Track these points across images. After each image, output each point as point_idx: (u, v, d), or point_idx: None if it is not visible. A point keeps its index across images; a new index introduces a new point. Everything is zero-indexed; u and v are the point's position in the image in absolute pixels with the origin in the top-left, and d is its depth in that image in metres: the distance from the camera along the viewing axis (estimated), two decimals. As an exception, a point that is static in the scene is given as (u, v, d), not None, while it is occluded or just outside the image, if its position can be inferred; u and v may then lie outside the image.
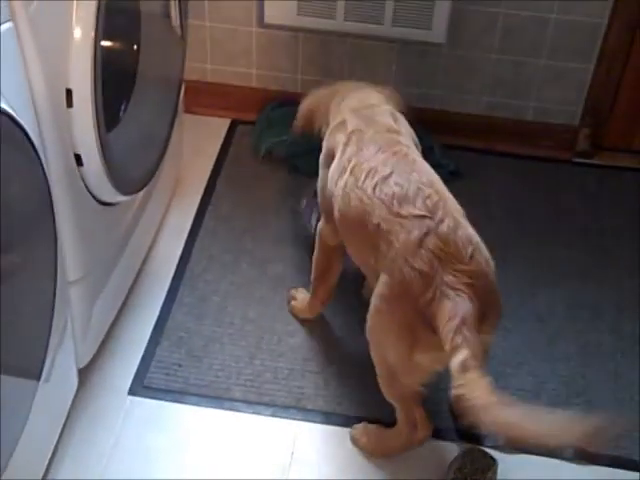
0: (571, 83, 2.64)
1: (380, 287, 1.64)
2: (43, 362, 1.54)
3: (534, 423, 1.38)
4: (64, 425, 1.80)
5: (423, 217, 1.60)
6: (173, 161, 2.34)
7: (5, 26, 1.28)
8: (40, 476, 1.69)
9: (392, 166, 1.71)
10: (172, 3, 2.04)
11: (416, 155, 1.81)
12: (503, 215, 2.48)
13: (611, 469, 1.84)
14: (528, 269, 2.31)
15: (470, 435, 1.86)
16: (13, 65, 1.33)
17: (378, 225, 1.64)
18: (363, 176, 1.71)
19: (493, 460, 1.76)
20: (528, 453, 1.85)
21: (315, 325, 2.11)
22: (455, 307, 1.51)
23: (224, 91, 2.82)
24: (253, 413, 1.91)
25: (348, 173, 1.76)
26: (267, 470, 1.81)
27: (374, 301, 1.67)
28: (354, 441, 1.87)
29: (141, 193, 2.02)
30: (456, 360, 1.45)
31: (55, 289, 1.55)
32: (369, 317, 1.70)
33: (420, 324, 1.56)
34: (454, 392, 1.43)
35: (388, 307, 1.63)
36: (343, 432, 1.89)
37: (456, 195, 1.72)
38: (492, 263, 1.64)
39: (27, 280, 1.46)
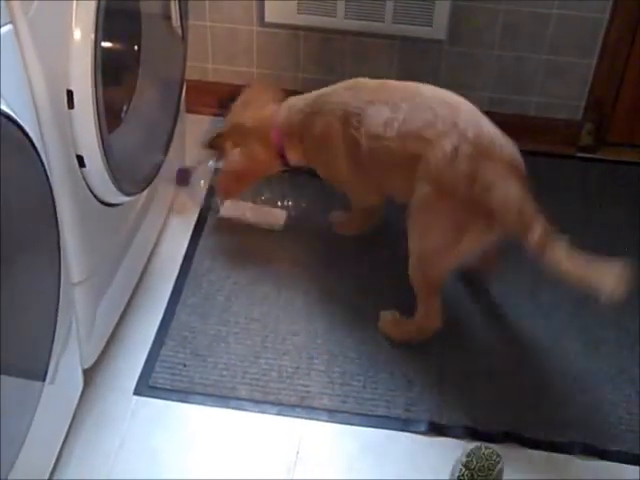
0: (573, 78, 2.64)
1: (423, 192, 1.87)
2: (48, 363, 1.54)
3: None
4: (70, 426, 1.80)
5: (451, 131, 1.84)
6: (175, 161, 2.35)
7: (5, 28, 1.28)
8: (46, 477, 1.69)
9: (398, 107, 1.93)
10: (172, 3, 2.04)
11: (397, 83, 2.04)
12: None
13: (617, 464, 1.84)
14: (531, 265, 2.30)
15: (477, 433, 1.86)
16: (13, 67, 1.33)
17: (413, 155, 1.88)
18: (382, 129, 1.93)
19: (499, 457, 1.76)
20: (534, 449, 1.85)
21: (320, 323, 2.11)
22: (509, 191, 1.79)
23: (225, 90, 2.82)
24: (258, 412, 1.91)
25: (365, 138, 1.96)
26: (273, 469, 1.81)
27: (419, 202, 1.89)
28: (382, 327, 2.08)
29: (144, 193, 2.03)
30: (535, 235, 1.74)
31: (59, 290, 1.55)
32: (414, 215, 1.92)
33: (471, 214, 1.82)
34: (548, 265, 1.73)
35: (436, 205, 1.87)
36: (348, 430, 1.89)
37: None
38: (517, 149, 1.88)
39: (31, 282, 1.46)
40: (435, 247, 1.93)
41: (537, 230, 1.75)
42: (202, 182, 2.50)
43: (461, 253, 1.91)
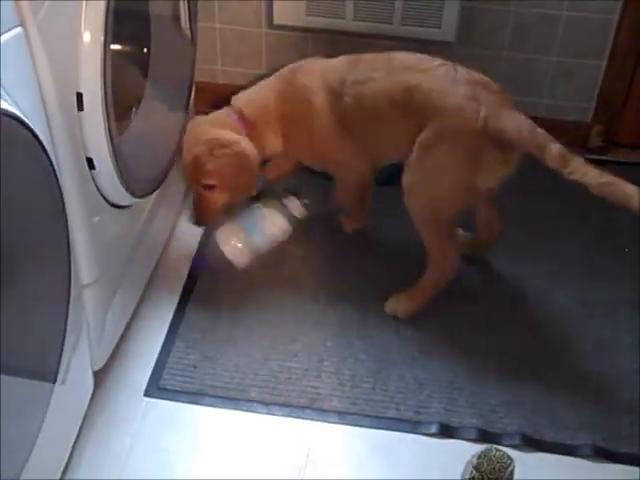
0: (583, 80, 2.63)
1: (430, 133, 1.86)
2: (59, 365, 1.55)
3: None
4: (81, 427, 1.81)
5: (442, 64, 1.92)
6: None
7: (15, 31, 1.29)
8: (57, 477, 1.69)
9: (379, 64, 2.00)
10: (181, 5, 2.04)
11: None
12: (515, 214, 2.47)
13: (628, 467, 1.83)
14: (542, 267, 2.30)
15: (488, 435, 1.86)
16: (23, 70, 1.34)
17: (406, 86, 1.90)
18: (369, 72, 1.98)
19: (510, 459, 1.75)
20: (545, 452, 1.85)
21: (329, 325, 2.11)
22: (515, 116, 1.84)
23: (234, 92, 2.82)
24: (268, 414, 1.91)
25: (352, 88, 1.99)
26: (283, 470, 1.81)
27: (422, 149, 1.88)
28: (393, 312, 2.11)
29: (153, 195, 2.03)
30: (552, 154, 1.77)
31: (69, 292, 1.55)
32: (421, 158, 1.90)
33: (482, 145, 1.83)
34: (570, 178, 1.77)
35: (444, 142, 1.86)
36: (358, 432, 1.88)
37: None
38: None
39: (41, 283, 1.46)
40: (451, 186, 1.91)
41: (554, 146, 1.78)
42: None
43: (478, 188, 1.91)
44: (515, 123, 1.83)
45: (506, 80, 2.65)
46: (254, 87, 2.17)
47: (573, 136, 2.72)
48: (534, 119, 2.69)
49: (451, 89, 1.86)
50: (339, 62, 2.08)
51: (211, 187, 2.09)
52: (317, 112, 2.05)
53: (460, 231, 2.20)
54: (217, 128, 2.09)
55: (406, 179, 1.94)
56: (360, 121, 2.00)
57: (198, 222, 2.18)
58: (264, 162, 2.20)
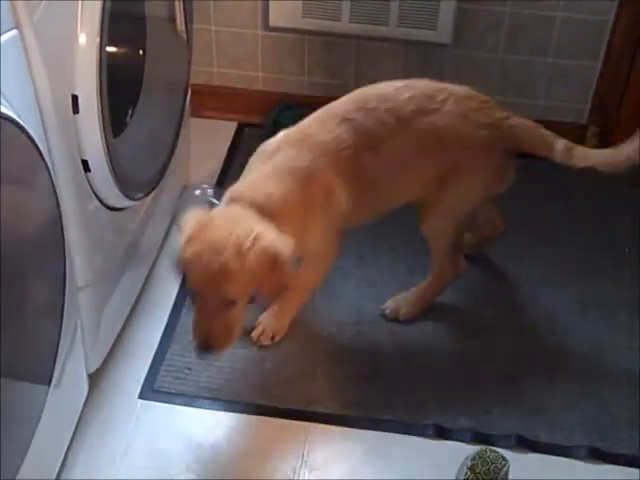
0: (578, 81, 2.64)
1: (457, 167, 1.90)
2: (53, 367, 1.55)
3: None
4: (75, 430, 1.81)
5: (446, 97, 1.91)
6: (180, 165, 2.35)
7: (10, 34, 1.29)
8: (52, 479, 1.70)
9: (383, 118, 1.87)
10: (177, 7, 2.04)
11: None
12: (513, 215, 2.47)
13: (623, 468, 1.83)
14: (540, 268, 2.30)
15: (483, 436, 1.86)
16: (19, 72, 1.34)
17: (428, 136, 1.88)
18: (380, 131, 1.86)
19: (505, 460, 1.76)
20: (540, 453, 1.85)
21: (325, 327, 2.11)
22: (523, 123, 1.96)
23: (230, 94, 2.83)
24: (264, 416, 1.91)
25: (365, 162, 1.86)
26: (278, 473, 1.81)
27: (446, 183, 1.91)
28: (393, 315, 2.12)
29: (149, 197, 2.03)
30: (558, 148, 1.94)
31: (64, 295, 1.55)
32: (439, 199, 1.93)
33: (505, 161, 1.97)
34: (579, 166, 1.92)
35: (474, 172, 1.93)
36: (354, 434, 1.88)
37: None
38: None
39: (36, 286, 1.46)
40: (475, 204, 1.99)
41: (559, 141, 1.94)
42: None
43: (491, 194, 2.03)
44: (524, 131, 1.96)
45: (502, 82, 2.67)
46: (251, 176, 1.82)
47: (569, 137, 2.70)
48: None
49: (467, 123, 1.90)
50: (335, 134, 1.83)
51: (234, 302, 1.66)
52: (332, 196, 1.83)
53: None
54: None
55: (430, 212, 1.96)
56: (374, 180, 1.88)
57: (209, 348, 1.68)
58: None
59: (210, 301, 1.64)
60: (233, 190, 1.77)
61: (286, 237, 1.66)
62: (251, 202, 1.69)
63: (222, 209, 1.74)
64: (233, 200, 1.73)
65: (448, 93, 1.91)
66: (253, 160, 1.87)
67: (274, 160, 1.81)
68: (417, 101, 1.88)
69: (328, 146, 1.82)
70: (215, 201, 1.92)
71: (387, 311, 2.12)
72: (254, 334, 2.05)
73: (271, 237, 1.63)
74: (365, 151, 1.85)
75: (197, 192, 2.38)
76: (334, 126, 1.85)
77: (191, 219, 1.67)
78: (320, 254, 1.95)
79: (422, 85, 1.93)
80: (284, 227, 1.69)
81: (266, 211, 1.69)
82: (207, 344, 1.67)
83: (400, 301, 2.13)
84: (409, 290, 2.13)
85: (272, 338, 2.06)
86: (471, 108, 1.91)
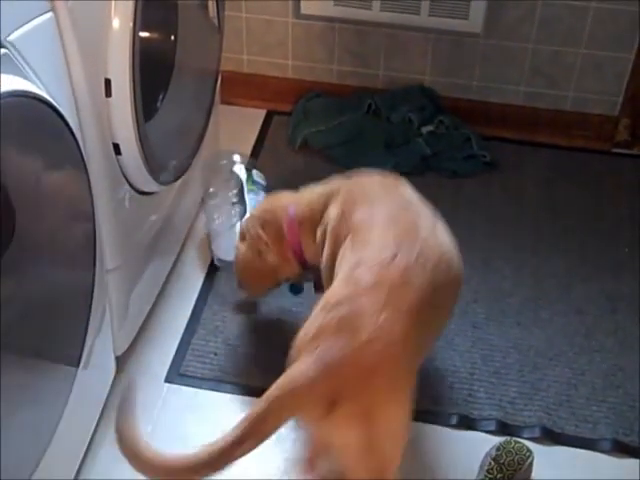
0: (611, 72, 2.61)
1: None
2: (82, 349, 1.56)
3: None
4: (102, 412, 1.82)
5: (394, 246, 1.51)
6: (209, 151, 2.35)
7: (45, 16, 1.30)
8: (78, 461, 1.71)
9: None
10: (209, -6, 2.05)
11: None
12: (540, 206, 2.47)
13: (648, 462, 1.83)
14: (566, 261, 2.29)
15: (507, 427, 1.86)
16: (53, 55, 1.35)
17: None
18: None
19: (529, 452, 1.75)
20: (564, 445, 1.84)
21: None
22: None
23: (260, 82, 2.83)
24: (288, 402, 1.92)
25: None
26: (301, 458, 1.81)
27: None
28: None
29: (178, 182, 2.04)
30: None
31: (94, 277, 1.56)
32: None
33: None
34: None
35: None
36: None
37: (494, 186, 1.71)
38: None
39: (66, 268, 1.48)
40: None
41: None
42: None
43: None
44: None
45: (532, 72, 2.65)
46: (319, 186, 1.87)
47: (599, 130, 2.72)
48: (560, 112, 2.71)
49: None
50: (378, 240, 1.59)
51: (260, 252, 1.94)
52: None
53: None
54: (271, 217, 1.89)
55: None
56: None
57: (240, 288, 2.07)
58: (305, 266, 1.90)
59: None
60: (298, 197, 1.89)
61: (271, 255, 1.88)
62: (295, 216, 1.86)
63: (289, 197, 1.91)
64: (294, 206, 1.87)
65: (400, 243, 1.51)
66: None
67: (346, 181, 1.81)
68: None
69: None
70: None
71: None
72: None
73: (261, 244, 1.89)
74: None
75: (224, 162, 2.36)
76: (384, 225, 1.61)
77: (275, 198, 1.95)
78: None
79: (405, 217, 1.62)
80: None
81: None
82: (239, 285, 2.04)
83: None
84: None
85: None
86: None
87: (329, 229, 1.72)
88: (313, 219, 1.81)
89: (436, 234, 1.60)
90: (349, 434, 1.39)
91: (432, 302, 1.49)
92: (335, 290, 1.50)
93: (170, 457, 1.42)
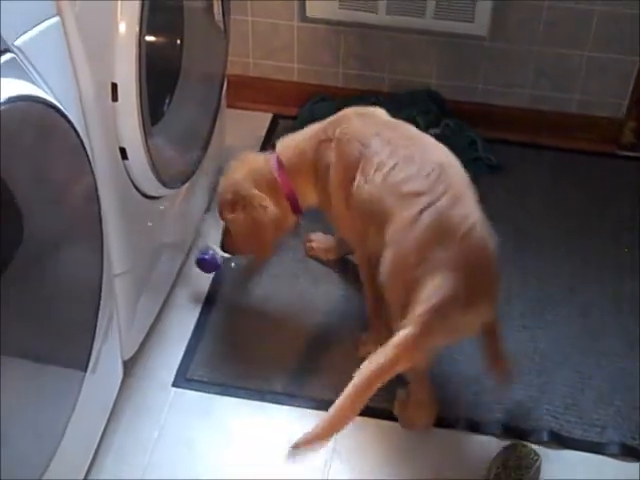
0: (616, 75, 2.61)
1: (383, 264, 1.67)
2: (90, 353, 1.56)
3: None
4: (109, 416, 1.82)
5: (421, 194, 1.65)
6: (216, 155, 2.36)
7: (52, 21, 1.30)
8: (86, 466, 1.71)
9: (395, 152, 1.76)
10: (215, -2, 2.05)
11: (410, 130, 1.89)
12: (545, 209, 2.46)
13: (657, 465, 1.82)
14: (571, 263, 2.29)
15: (515, 431, 1.85)
16: (60, 59, 1.36)
17: (383, 208, 1.70)
18: (372, 171, 1.76)
19: (537, 455, 1.75)
20: (572, 449, 1.84)
21: (357, 319, 2.11)
22: (432, 291, 1.56)
23: (266, 85, 2.84)
24: (295, 406, 1.92)
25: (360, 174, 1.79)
26: (308, 463, 1.80)
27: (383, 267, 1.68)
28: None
29: (184, 187, 2.04)
30: (392, 341, 1.55)
31: (101, 282, 1.57)
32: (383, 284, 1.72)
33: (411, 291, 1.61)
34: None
35: (390, 282, 1.67)
36: (385, 426, 1.88)
37: (499, 189, 1.71)
38: (492, 243, 1.64)
39: (74, 272, 1.48)
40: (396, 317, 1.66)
41: (398, 337, 1.55)
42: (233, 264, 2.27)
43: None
44: (426, 297, 1.57)
45: (537, 75, 2.65)
46: (304, 130, 2.01)
47: (605, 132, 2.71)
48: (565, 115, 2.70)
49: (407, 229, 1.63)
50: (372, 132, 1.83)
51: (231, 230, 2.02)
52: (345, 171, 1.84)
53: None
54: (257, 174, 1.96)
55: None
56: (355, 210, 1.83)
57: (222, 247, 2.10)
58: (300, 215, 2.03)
59: (222, 217, 2.03)
60: (282, 140, 2.02)
61: (272, 209, 1.93)
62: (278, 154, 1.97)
63: (261, 156, 2.03)
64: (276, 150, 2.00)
65: (431, 189, 1.66)
66: None
67: (329, 120, 1.95)
68: (402, 175, 1.71)
69: (351, 136, 1.84)
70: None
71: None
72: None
73: (258, 204, 1.93)
74: (359, 171, 1.79)
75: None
76: (369, 130, 1.84)
77: (239, 158, 2.03)
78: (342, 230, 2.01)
79: (431, 167, 1.71)
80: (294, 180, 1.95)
81: (282, 164, 1.95)
82: (221, 244, 2.08)
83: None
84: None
85: None
86: (423, 224, 1.62)
87: (337, 168, 1.84)
88: (303, 164, 1.94)
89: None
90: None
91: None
92: (407, 212, 1.64)
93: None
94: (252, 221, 1.93)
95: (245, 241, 1.99)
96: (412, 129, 1.89)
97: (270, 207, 1.94)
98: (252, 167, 1.98)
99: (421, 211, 1.63)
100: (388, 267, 1.66)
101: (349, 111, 1.94)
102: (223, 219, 2.03)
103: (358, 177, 1.79)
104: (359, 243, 1.92)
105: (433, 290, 1.56)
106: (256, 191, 1.94)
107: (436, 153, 1.78)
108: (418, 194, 1.66)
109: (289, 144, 1.99)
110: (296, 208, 1.99)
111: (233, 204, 1.96)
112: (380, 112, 1.96)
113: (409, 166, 1.72)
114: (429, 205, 1.63)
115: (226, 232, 2.05)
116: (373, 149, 1.79)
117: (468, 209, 1.65)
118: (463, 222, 1.61)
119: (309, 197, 1.98)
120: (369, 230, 1.78)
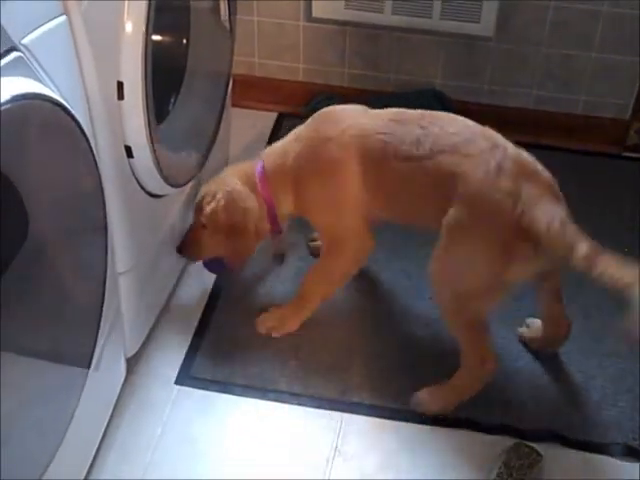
0: (622, 76, 2.61)
1: (456, 218, 1.73)
2: (93, 351, 1.57)
3: None
4: (112, 413, 1.83)
5: (492, 149, 1.75)
6: (220, 154, 2.36)
7: (59, 20, 1.31)
8: (88, 463, 1.71)
9: (426, 127, 1.82)
10: (221, -3, 2.05)
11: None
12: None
13: (658, 467, 1.82)
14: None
15: (517, 431, 1.85)
16: (66, 58, 1.36)
17: (449, 172, 1.74)
18: (414, 147, 1.80)
19: (540, 456, 1.75)
20: (575, 449, 1.84)
21: (361, 318, 2.12)
22: (550, 211, 1.67)
23: (271, 85, 2.84)
24: (298, 404, 1.92)
25: (394, 158, 1.82)
26: (311, 461, 1.81)
27: (447, 234, 1.75)
28: (420, 407, 1.89)
29: (189, 185, 2.04)
30: (579, 254, 1.60)
31: (105, 279, 1.57)
32: (441, 251, 1.78)
33: (515, 238, 1.68)
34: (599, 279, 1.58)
35: (475, 232, 1.73)
36: (387, 425, 1.89)
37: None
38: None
39: (79, 270, 1.48)
40: (479, 277, 1.75)
41: (581, 247, 1.61)
42: None
43: (506, 285, 1.76)
44: (547, 218, 1.66)
45: (544, 76, 2.65)
46: (288, 136, 2.01)
47: (610, 133, 2.71)
48: (571, 116, 2.70)
49: (494, 182, 1.70)
50: (385, 120, 1.87)
51: (204, 227, 1.99)
52: (343, 176, 1.88)
53: (531, 321, 2.07)
54: (242, 180, 1.99)
55: (433, 267, 1.81)
56: (399, 191, 1.86)
57: (179, 250, 2.07)
58: (276, 227, 2.04)
59: (195, 216, 2.03)
60: (271, 146, 2.04)
61: (254, 208, 1.95)
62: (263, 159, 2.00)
63: (246, 163, 2.05)
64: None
65: (494, 145, 1.77)
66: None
67: (308, 126, 1.97)
68: (458, 139, 1.78)
69: (362, 126, 1.87)
70: None
71: (416, 402, 1.91)
72: (259, 320, 2.07)
73: (243, 198, 1.95)
74: (391, 158, 1.82)
75: None
76: (383, 119, 1.87)
77: (227, 168, 2.07)
78: (338, 238, 1.97)
79: (476, 128, 1.84)
80: (274, 187, 1.97)
81: (265, 170, 1.97)
82: (179, 247, 2.07)
83: (431, 393, 1.91)
84: (439, 384, 1.91)
85: (278, 329, 2.06)
86: (506, 170, 1.71)
87: (354, 161, 1.86)
88: (285, 171, 1.95)
89: None
90: None
91: None
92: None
93: None
94: (237, 214, 1.95)
95: (226, 235, 1.97)
96: (408, 110, 1.91)
97: (254, 206, 1.96)
98: (236, 169, 2.03)
99: (500, 162, 1.72)
100: (472, 219, 1.73)
101: (331, 109, 1.97)
102: (196, 213, 2.02)
103: (393, 162, 1.81)
104: (355, 236, 1.96)
105: (549, 216, 1.66)
106: (243, 187, 1.97)
107: (455, 122, 1.86)
108: (488, 150, 1.74)
109: (274, 151, 2.00)
110: (273, 218, 2.01)
111: (214, 194, 1.96)
112: (359, 106, 1.97)
113: (455, 133, 1.80)
114: (503, 157, 1.73)
115: (192, 231, 2.05)
116: (399, 134, 1.83)
117: (527, 153, 1.79)
118: (535, 162, 1.77)
119: (287, 207, 1.99)
120: (415, 203, 1.85)
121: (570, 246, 1.62)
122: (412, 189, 1.83)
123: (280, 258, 2.22)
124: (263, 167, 1.98)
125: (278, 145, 2.01)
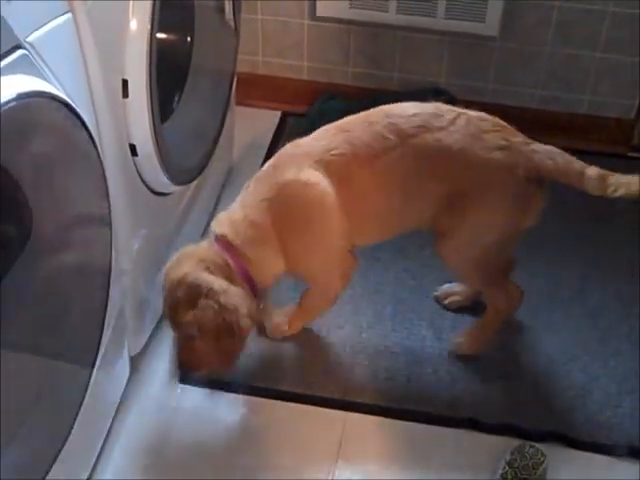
0: (627, 76, 2.61)
1: (459, 191, 1.73)
2: (97, 349, 1.57)
3: None
4: (116, 412, 1.83)
5: (458, 116, 1.75)
6: (225, 152, 2.36)
7: (64, 17, 1.31)
8: (92, 462, 1.72)
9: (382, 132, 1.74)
10: (226, -4, 2.05)
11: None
12: (554, 211, 2.44)
13: (664, 467, 1.82)
14: (578, 266, 2.28)
15: (522, 431, 1.85)
16: (71, 56, 1.36)
17: (432, 151, 1.72)
18: (379, 143, 1.73)
19: (544, 456, 1.75)
20: (579, 450, 1.83)
21: (365, 318, 2.11)
22: (544, 150, 1.77)
23: (275, 83, 2.84)
24: (301, 404, 1.92)
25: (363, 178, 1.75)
26: (314, 460, 1.81)
27: (461, 211, 1.75)
28: (460, 350, 2.00)
29: (193, 183, 2.04)
30: (591, 176, 1.75)
31: (109, 278, 1.57)
32: (455, 227, 1.77)
33: (527, 186, 1.75)
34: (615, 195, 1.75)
35: (489, 197, 1.75)
36: (391, 424, 1.88)
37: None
38: None
39: (82, 268, 1.48)
40: (500, 237, 1.80)
41: (591, 169, 1.76)
42: None
43: (523, 230, 1.83)
44: (548, 156, 1.76)
45: (548, 76, 2.65)
46: (234, 204, 1.81)
47: (615, 133, 2.71)
48: (576, 116, 2.70)
49: (483, 144, 1.72)
50: (327, 141, 1.77)
51: (192, 336, 1.72)
52: (328, 208, 1.75)
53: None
54: (207, 262, 1.72)
55: (447, 245, 1.80)
56: (373, 200, 1.77)
57: (182, 366, 1.82)
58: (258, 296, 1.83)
59: (175, 330, 1.77)
60: (213, 221, 1.81)
61: (239, 293, 1.71)
62: (219, 235, 1.76)
63: (197, 247, 1.78)
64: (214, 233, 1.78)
65: (458, 113, 1.75)
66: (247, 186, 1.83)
67: (259, 178, 1.80)
68: (422, 117, 1.73)
69: (314, 152, 1.75)
70: None
71: (454, 348, 2.01)
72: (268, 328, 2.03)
73: (222, 290, 1.68)
74: (361, 164, 1.73)
75: None
76: (328, 136, 1.78)
77: (177, 255, 1.77)
78: (321, 275, 1.89)
79: (431, 105, 1.77)
80: (254, 256, 1.76)
81: (231, 243, 1.75)
82: (180, 362, 1.80)
83: (465, 337, 2.01)
84: (468, 329, 2.02)
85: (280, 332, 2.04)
86: (484, 129, 1.74)
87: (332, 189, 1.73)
88: (261, 235, 1.76)
89: None
90: None
91: None
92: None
93: None
94: (222, 311, 1.68)
95: (216, 343, 1.71)
96: (347, 118, 1.82)
97: (235, 288, 1.72)
98: (198, 256, 1.74)
99: (476, 126, 1.74)
100: (487, 184, 1.74)
101: (282, 154, 1.82)
102: (177, 325, 1.74)
103: (368, 171, 1.72)
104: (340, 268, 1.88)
105: (552, 154, 1.77)
106: (214, 277, 1.70)
107: (407, 106, 1.79)
108: (451, 121, 1.74)
109: (230, 222, 1.77)
110: (254, 289, 1.79)
111: (190, 300, 1.68)
112: (288, 144, 1.84)
113: (410, 117, 1.74)
114: (474, 120, 1.75)
115: (184, 342, 1.76)
116: (353, 139, 1.74)
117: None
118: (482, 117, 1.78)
119: (276, 267, 1.82)
120: (397, 203, 1.77)
121: (580, 172, 1.75)
122: (396, 185, 1.75)
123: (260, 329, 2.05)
124: (228, 243, 1.76)
125: (229, 217, 1.78)
